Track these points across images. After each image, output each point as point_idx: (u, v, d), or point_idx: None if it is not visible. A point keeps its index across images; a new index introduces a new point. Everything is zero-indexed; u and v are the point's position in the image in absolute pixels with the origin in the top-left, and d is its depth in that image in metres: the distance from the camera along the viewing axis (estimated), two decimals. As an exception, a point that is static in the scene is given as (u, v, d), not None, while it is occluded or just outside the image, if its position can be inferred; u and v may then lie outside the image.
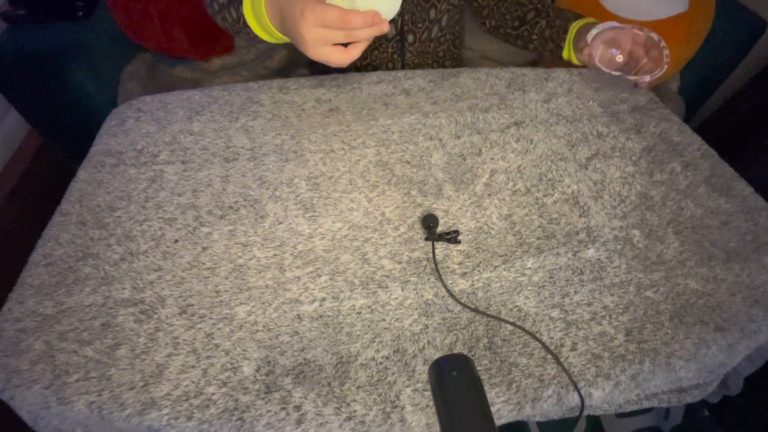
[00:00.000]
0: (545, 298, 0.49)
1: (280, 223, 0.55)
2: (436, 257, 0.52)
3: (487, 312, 0.48)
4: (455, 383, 0.30)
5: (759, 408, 0.95)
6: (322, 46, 0.48)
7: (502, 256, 0.53)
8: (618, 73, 0.68)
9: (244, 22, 0.57)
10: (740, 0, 1.11)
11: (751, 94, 1.26)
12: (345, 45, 0.49)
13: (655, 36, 0.68)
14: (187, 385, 0.42)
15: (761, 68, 1.24)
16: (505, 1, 0.85)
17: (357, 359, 0.45)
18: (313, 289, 0.49)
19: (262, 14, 0.53)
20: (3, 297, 0.49)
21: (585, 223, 0.56)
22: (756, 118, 1.22)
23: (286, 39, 0.55)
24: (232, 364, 0.44)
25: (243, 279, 0.50)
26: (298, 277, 0.50)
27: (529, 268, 0.52)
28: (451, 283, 0.50)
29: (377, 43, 0.86)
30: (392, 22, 0.83)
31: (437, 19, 0.86)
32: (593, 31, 0.70)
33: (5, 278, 0.57)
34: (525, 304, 0.49)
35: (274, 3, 0.52)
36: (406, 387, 0.43)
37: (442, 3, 0.83)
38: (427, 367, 0.44)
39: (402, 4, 0.79)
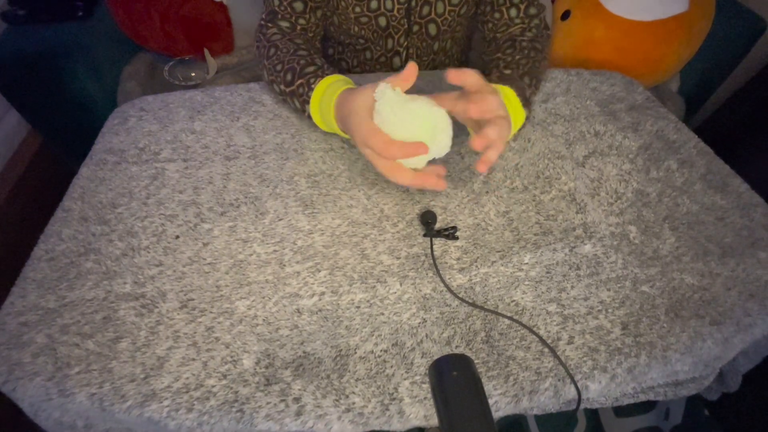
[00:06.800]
0: (542, 292, 0.50)
1: (280, 220, 0.56)
2: (435, 253, 0.53)
3: (485, 306, 0.48)
4: (455, 383, 0.30)
5: (759, 408, 0.96)
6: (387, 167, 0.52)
7: (499, 251, 0.53)
8: None
9: (309, 116, 0.64)
10: (740, 0, 1.12)
11: (751, 94, 1.26)
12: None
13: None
14: (187, 378, 0.43)
15: (761, 68, 1.24)
16: (494, 41, 0.78)
17: (356, 352, 0.45)
18: (313, 284, 0.50)
19: (331, 123, 0.60)
20: (3, 296, 0.49)
21: (582, 219, 0.57)
22: (756, 118, 1.22)
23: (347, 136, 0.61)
24: (232, 357, 0.44)
25: (243, 274, 0.51)
26: (298, 272, 0.51)
27: (526, 263, 0.52)
28: (449, 278, 0.51)
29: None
30: (397, 55, 0.84)
31: (442, 48, 0.86)
32: None
33: (4, 278, 0.57)
34: (522, 298, 0.49)
35: (340, 121, 0.57)
36: (405, 380, 0.43)
37: (446, 34, 0.83)
38: (425, 360, 0.45)
39: (407, 40, 0.80)
